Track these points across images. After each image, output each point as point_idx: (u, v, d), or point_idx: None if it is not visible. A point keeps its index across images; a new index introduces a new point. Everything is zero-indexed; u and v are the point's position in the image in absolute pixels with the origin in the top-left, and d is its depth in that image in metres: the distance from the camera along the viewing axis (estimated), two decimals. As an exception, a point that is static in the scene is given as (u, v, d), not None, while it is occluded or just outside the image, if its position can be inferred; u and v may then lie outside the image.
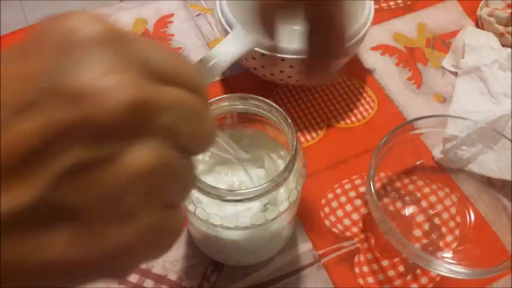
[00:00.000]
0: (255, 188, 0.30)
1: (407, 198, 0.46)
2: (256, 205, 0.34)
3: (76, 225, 0.15)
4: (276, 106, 0.34)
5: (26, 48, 0.16)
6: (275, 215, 0.33)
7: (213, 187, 0.30)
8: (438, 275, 0.42)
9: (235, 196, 0.30)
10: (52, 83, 0.14)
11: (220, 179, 0.37)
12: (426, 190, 0.47)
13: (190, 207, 0.33)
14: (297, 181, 0.34)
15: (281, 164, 0.38)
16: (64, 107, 0.14)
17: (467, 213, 0.46)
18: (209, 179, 0.36)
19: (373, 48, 0.59)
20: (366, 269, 0.42)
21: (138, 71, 0.16)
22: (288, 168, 0.31)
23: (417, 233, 0.44)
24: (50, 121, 0.14)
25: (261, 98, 0.34)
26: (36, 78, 0.14)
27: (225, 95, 0.35)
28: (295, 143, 0.32)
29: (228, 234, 0.35)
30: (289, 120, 0.33)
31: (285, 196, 0.33)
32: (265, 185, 0.30)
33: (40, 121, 0.14)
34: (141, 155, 0.15)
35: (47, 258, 0.15)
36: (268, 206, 0.34)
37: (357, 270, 0.42)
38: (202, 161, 0.37)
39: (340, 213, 0.46)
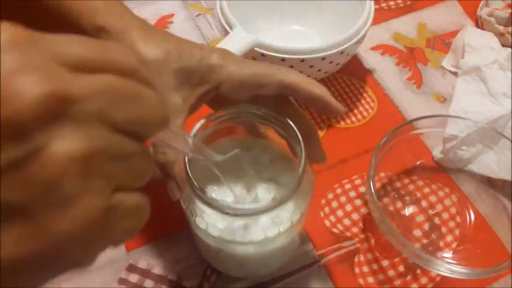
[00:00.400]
0: (257, 205, 0.29)
1: (407, 198, 0.46)
2: (257, 221, 0.33)
3: (22, 222, 0.16)
4: (289, 122, 0.32)
5: None
6: (275, 233, 0.32)
7: (214, 199, 0.29)
8: (438, 275, 0.42)
9: (235, 211, 0.30)
10: None
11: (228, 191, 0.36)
12: (426, 190, 0.47)
13: (191, 215, 0.33)
14: (302, 200, 0.33)
15: (290, 176, 0.36)
16: None
17: (467, 213, 0.46)
18: (217, 189, 0.35)
19: (373, 48, 0.59)
20: (366, 269, 0.42)
21: (49, 66, 0.16)
22: (294, 187, 0.30)
23: (417, 233, 0.44)
24: None
25: (274, 111, 0.33)
26: None
27: (239, 104, 0.34)
28: (303, 162, 0.31)
29: (227, 246, 0.34)
30: (300, 138, 0.32)
31: (288, 215, 0.32)
32: (268, 202, 0.29)
33: None
34: (67, 143, 0.16)
35: (2, 259, 0.16)
36: (272, 222, 0.33)
37: (357, 270, 0.42)
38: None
39: (340, 213, 0.46)
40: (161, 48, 0.31)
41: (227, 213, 0.30)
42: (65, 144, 0.16)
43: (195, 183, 0.30)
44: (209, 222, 0.32)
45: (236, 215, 0.30)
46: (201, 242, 0.36)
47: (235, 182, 0.34)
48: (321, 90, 0.32)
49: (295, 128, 0.32)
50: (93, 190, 0.17)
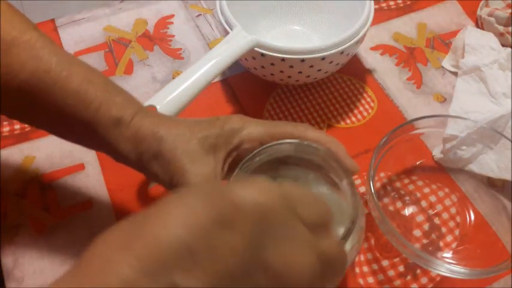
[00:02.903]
0: None
1: (407, 198, 0.46)
2: None
3: None
4: (346, 166, 0.32)
5: (225, 221, 0.20)
6: None
7: None
8: (438, 275, 0.42)
9: None
10: (256, 259, 0.20)
11: None
12: (426, 190, 0.47)
13: None
14: (352, 247, 0.32)
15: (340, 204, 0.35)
16: (268, 281, 0.20)
17: (467, 213, 0.46)
18: None
19: (373, 48, 0.59)
20: (366, 269, 0.42)
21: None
22: (345, 238, 0.29)
23: (417, 233, 0.44)
24: None
25: (331, 151, 0.33)
26: (243, 252, 0.20)
27: (292, 140, 0.34)
28: (354, 213, 0.30)
29: None
30: (356, 191, 0.31)
31: None
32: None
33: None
34: None
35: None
36: None
37: (357, 270, 0.42)
38: None
39: (340, 213, 0.46)
40: (183, 125, 0.34)
41: None
42: None
43: None
44: None
45: None
46: None
47: None
48: (336, 147, 0.35)
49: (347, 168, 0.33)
50: None
